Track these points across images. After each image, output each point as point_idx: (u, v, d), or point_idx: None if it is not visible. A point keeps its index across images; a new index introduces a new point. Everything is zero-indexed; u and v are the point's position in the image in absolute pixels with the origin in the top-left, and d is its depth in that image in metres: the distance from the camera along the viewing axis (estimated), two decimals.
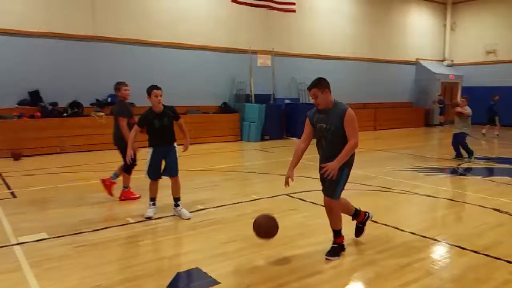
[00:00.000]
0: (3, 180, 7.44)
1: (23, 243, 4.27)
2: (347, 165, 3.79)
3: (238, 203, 5.88)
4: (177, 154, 5.26)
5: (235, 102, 14.42)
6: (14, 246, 4.19)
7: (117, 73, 11.97)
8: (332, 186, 3.78)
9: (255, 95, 14.31)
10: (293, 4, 15.19)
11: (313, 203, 5.77)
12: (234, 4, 13.99)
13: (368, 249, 4.09)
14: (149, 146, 5.19)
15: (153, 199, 5.28)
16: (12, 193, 6.50)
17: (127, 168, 5.96)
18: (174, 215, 5.23)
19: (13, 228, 4.73)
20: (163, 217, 5.18)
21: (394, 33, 19.76)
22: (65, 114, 11.06)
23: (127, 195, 6.04)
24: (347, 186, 3.93)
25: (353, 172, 3.95)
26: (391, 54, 19.65)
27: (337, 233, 3.95)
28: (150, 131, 5.14)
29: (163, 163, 5.22)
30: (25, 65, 10.80)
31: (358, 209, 4.26)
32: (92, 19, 11.73)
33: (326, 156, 3.81)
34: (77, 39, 11.52)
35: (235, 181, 7.71)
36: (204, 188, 6.85)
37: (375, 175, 7.81)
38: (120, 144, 5.80)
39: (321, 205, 5.41)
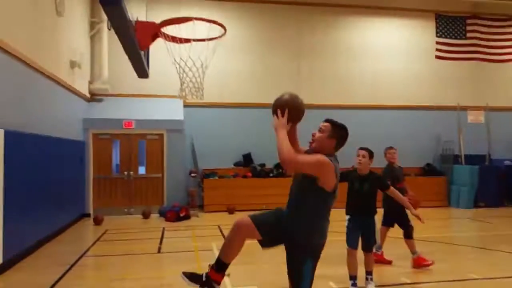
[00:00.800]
0: (221, 231, 8.50)
1: None
2: (309, 254, 2.95)
3: (450, 281, 5.13)
4: (376, 228, 4.85)
5: (441, 163, 13.22)
6: None
7: None
8: (296, 283, 2.97)
9: (465, 155, 12.83)
10: (511, 54, 13.41)
11: None
12: (439, 60, 13.28)
13: None
14: (346, 213, 4.86)
15: (352, 277, 4.60)
16: None
17: (407, 233, 5.85)
18: None
19: (231, 278, 5.25)
20: None
21: None
22: (271, 175, 12.18)
23: (419, 262, 5.73)
24: None
25: None
26: None
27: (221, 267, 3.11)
28: (349, 193, 4.84)
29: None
30: (240, 131, 12.50)
31: None
32: (297, 89, 12.88)
33: (290, 204, 3.09)
34: None
35: (443, 254, 6.76)
36: (405, 258, 6.20)
37: None
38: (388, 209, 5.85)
39: None
